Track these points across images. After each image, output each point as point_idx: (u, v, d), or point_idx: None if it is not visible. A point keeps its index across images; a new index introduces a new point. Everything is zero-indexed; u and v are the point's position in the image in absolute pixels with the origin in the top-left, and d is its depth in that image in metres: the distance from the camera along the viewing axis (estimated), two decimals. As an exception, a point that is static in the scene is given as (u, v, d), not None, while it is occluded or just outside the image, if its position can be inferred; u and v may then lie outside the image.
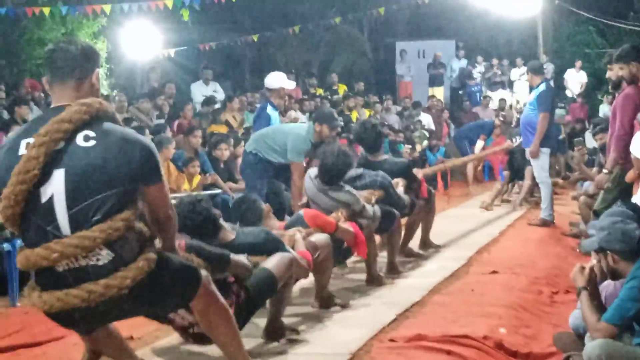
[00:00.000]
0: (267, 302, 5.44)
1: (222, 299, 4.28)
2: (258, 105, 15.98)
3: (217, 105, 15.50)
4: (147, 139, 3.91)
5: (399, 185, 7.97)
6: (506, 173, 13.53)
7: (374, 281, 7.31)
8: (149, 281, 3.77)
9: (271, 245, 5.44)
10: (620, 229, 4.52)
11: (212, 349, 4.97)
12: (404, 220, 8.29)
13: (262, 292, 5.18)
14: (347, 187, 7.10)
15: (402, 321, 5.96)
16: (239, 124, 14.58)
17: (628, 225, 4.53)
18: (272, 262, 5.27)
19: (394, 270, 7.78)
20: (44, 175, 3.62)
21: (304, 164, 8.61)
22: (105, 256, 3.67)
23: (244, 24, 23.42)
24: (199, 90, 16.76)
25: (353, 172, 7.49)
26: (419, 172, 8.87)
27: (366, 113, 18.78)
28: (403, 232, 8.35)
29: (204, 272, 4.19)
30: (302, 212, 6.68)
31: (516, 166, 13.08)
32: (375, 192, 7.52)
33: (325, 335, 5.65)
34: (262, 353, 5.20)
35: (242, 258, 5.01)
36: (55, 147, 3.63)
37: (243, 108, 15.75)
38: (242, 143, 11.45)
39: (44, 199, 3.64)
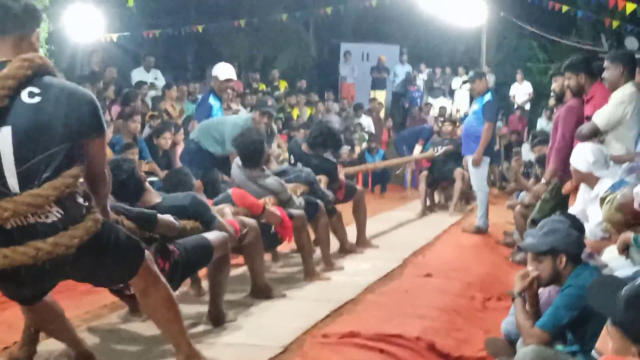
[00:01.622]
0: (207, 287, 5.48)
1: (163, 280, 4.23)
2: (199, 96, 15.93)
3: (158, 93, 15.33)
4: (89, 91, 3.83)
5: (322, 182, 8.25)
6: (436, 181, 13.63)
7: (310, 275, 7.34)
8: (95, 244, 3.73)
9: (198, 209, 5.46)
10: (565, 231, 4.53)
11: (149, 327, 4.93)
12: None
13: (198, 256, 5.20)
14: (275, 177, 7.30)
15: (335, 318, 5.95)
16: (178, 113, 14.43)
17: (563, 235, 4.56)
18: (210, 234, 5.34)
19: (329, 265, 7.86)
20: None
21: None
22: (54, 214, 3.63)
23: (189, 13, 23.21)
24: (140, 77, 16.54)
25: (277, 167, 7.86)
26: (340, 172, 9.11)
27: (307, 111, 18.77)
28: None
29: (147, 253, 4.16)
30: (230, 190, 6.79)
31: (436, 174, 13.31)
32: (300, 186, 7.75)
33: (259, 326, 5.63)
34: (195, 340, 5.13)
35: (169, 217, 5.02)
36: (0, 104, 3.57)
37: (182, 97, 15.59)
38: (181, 131, 11.38)
39: None
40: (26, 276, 3.71)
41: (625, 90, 6.92)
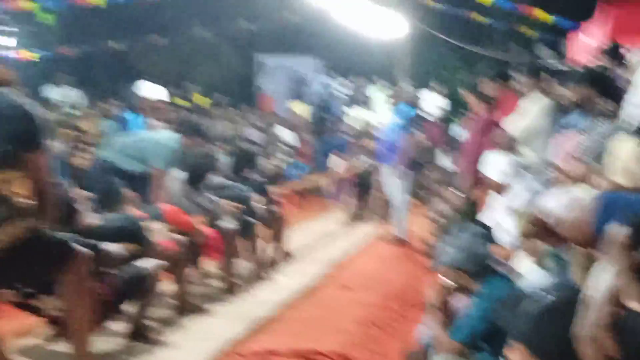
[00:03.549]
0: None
1: (90, 283, 4.31)
2: (116, 114, 15.71)
3: (75, 111, 15.10)
4: (32, 107, 3.89)
5: (256, 201, 8.29)
6: (354, 191, 13.77)
7: (231, 290, 7.36)
8: (22, 248, 3.78)
9: (136, 231, 5.51)
10: (468, 248, 4.58)
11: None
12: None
13: (136, 286, 5.23)
14: (210, 196, 7.36)
15: (252, 335, 5.91)
16: (94, 132, 14.19)
17: (477, 244, 4.60)
18: (149, 263, 5.38)
19: (257, 277, 7.98)
20: None
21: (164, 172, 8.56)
22: None
23: (104, 30, 22.87)
24: (53, 94, 16.27)
25: (219, 181, 7.90)
26: (275, 191, 9.15)
27: (223, 125, 18.68)
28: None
29: (85, 252, 4.21)
30: (160, 206, 6.77)
31: (365, 185, 13.43)
32: (235, 204, 7.79)
33: (175, 348, 5.54)
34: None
35: (110, 247, 5.02)
36: None
37: (99, 115, 15.35)
38: (97, 150, 11.19)
39: None
40: None
41: (538, 101, 7.04)
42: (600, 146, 3.36)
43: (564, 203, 3.19)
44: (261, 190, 8.62)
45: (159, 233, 5.96)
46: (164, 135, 8.85)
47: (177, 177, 7.37)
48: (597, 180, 3.39)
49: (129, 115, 9.45)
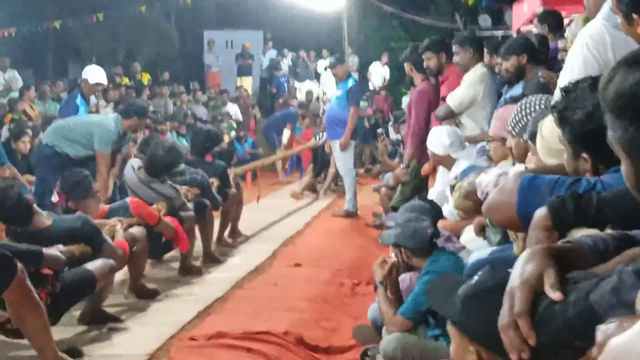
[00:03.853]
0: None
1: (34, 294, 4.34)
2: (62, 95, 15.53)
3: (15, 94, 14.89)
4: None
5: (214, 184, 8.23)
6: (311, 167, 13.81)
7: (187, 272, 7.34)
8: None
9: (88, 232, 5.48)
10: (412, 226, 4.62)
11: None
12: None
13: (80, 288, 5.22)
14: (169, 182, 7.31)
15: (204, 318, 5.91)
16: (38, 115, 14.03)
17: (421, 222, 4.63)
18: (95, 265, 5.35)
19: (212, 260, 7.92)
20: None
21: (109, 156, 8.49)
22: None
23: (45, 9, 22.52)
24: (-2, 78, 16.07)
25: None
26: (231, 172, 9.14)
27: (170, 103, 18.58)
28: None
29: (19, 265, 4.22)
30: (128, 199, 6.79)
31: (320, 160, 13.47)
32: (193, 189, 7.77)
33: (126, 334, 5.54)
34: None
35: (55, 252, 4.98)
36: None
37: (43, 97, 15.17)
38: (41, 134, 11.06)
39: None
40: None
41: (476, 71, 7.09)
42: (533, 122, 3.37)
43: (492, 181, 3.22)
44: (220, 173, 8.56)
45: (117, 232, 5.94)
46: (106, 119, 8.80)
47: (133, 164, 7.33)
48: (529, 157, 3.42)
49: (78, 98, 9.35)
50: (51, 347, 4.48)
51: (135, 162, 7.43)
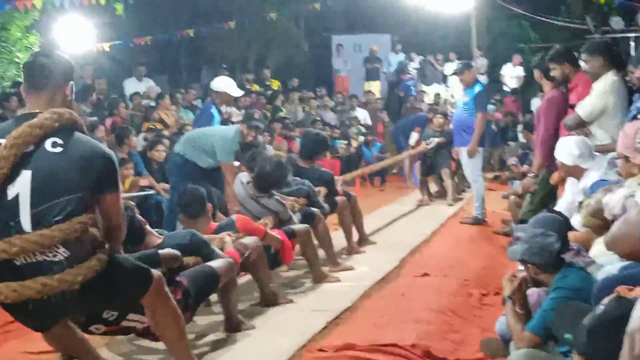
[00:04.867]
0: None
1: (172, 300, 4.54)
2: (195, 103, 15.95)
3: (152, 103, 15.36)
4: (109, 150, 4.16)
5: (320, 193, 8.38)
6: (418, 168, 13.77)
7: (319, 279, 7.50)
8: (100, 279, 4.00)
9: (197, 246, 5.62)
10: (539, 242, 4.56)
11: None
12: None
13: (205, 284, 5.41)
14: (277, 196, 7.44)
15: (332, 329, 5.98)
16: (174, 122, 14.44)
17: (548, 238, 4.57)
18: (215, 262, 5.54)
19: (336, 265, 8.04)
20: (13, 175, 3.87)
21: (235, 165, 8.70)
22: (61, 253, 3.89)
23: (179, 18, 23.16)
24: (132, 87, 16.59)
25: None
26: (339, 180, 9.19)
27: (299, 109, 18.79)
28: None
29: (157, 273, 4.42)
30: (234, 216, 6.88)
31: (429, 164, 13.47)
32: (300, 200, 7.91)
33: (255, 343, 5.66)
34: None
35: (169, 250, 5.21)
36: (25, 149, 3.89)
37: (177, 105, 15.60)
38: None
39: (10, 196, 3.87)
40: (34, 309, 3.95)
41: (607, 79, 6.95)
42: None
43: (619, 203, 3.17)
44: (327, 181, 8.64)
45: (226, 244, 6.09)
46: (227, 129, 9.01)
47: (241, 179, 7.51)
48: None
49: (213, 109, 9.66)
50: (189, 352, 4.70)
51: (243, 177, 7.60)
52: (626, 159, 4.37)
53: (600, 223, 4.36)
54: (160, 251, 5.12)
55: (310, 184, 8.14)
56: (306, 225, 7.53)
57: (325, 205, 8.31)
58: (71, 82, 4.18)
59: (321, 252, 7.88)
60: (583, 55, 7.10)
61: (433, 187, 14.04)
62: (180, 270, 5.28)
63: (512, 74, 22.47)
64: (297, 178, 8.14)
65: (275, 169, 7.36)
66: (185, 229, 6.26)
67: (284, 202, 7.47)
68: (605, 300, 2.15)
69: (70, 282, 3.89)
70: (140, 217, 5.61)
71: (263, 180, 7.36)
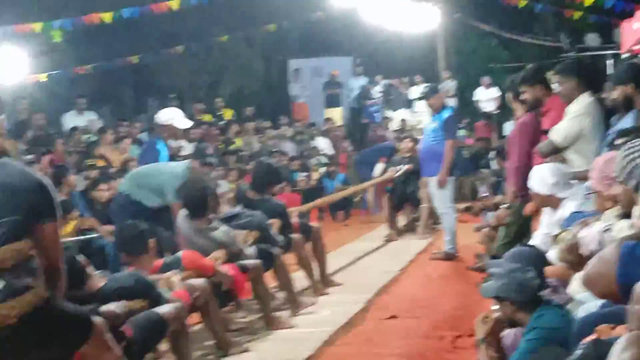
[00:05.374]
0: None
1: (115, 348, 4.35)
2: (140, 136, 15.83)
3: (93, 137, 15.24)
4: (45, 178, 4.07)
5: (275, 226, 8.31)
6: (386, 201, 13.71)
7: (271, 325, 7.41)
8: (37, 319, 3.86)
9: (142, 289, 5.54)
10: (517, 278, 4.54)
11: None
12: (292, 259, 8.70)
13: (151, 332, 5.33)
14: (224, 227, 7.38)
15: (292, 380, 5.93)
16: (118, 158, 14.31)
17: (526, 274, 4.55)
18: (162, 308, 5.47)
19: (296, 306, 8.01)
20: None
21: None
22: None
23: (122, 45, 23.06)
24: (72, 121, 16.46)
25: (229, 211, 8.05)
26: (293, 212, 9.20)
27: (254, 139, 18.75)
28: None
29: (99, 321, 4.26)
30: (180, 253, 6.86)
31: (399, 195, 13.44)
32: (252, 232, 7.83)
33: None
34: None
35: (110, 307, 5.06)
36: None
37: (120, 139, 15.47)
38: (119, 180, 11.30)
39: None
40: None
41: (582, 101, 6.95)
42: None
43: (594, 239, 3.17)
44: (280, 213, 8.61)
45: (174, 284, 6.04)
46: (179, 167, 8.95)
47: (184, 214, 7.46)
48: (636, 209, 3.34)
49: (155, 144, 9.59)
50: None
51: (184, 211, 7.51)
52: (599, 193, 4.40)
53: (575, 259, 4.35)
54: (101, 309, 4.97)
55: (262, 214, 8.09)
56: (258, 260, 7.48)
57: (280, 237, 8.25)
58: (1, 117, 4.17)
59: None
60: (557, 77, 7.13)
61: (401, 221, 14.02)
62: (125, 318, 5.20)
63: (487, 97, 22.49)
64: (247, 210, 8.08)
65: (197, 186, 7.47)
66: (130, 269, 6.18)
67: (232, 234, 7.41)
68: (584, 342, 2.13)
69: (4, 315, 3.76)
70: (82, 257, 5.55)
71: (191, 204, 7.34)
